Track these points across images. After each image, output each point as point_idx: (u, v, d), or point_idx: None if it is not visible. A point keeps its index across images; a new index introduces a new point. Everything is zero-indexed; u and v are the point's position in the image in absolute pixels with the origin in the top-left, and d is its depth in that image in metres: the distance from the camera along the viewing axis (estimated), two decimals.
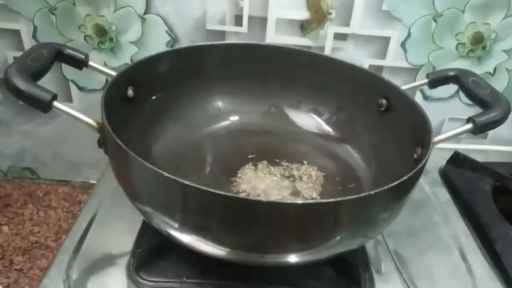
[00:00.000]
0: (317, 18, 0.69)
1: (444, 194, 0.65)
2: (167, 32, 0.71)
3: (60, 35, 0.71)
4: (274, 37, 0.71)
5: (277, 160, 0.59)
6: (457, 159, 0.68)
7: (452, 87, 0.59)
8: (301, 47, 0.66)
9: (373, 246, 0.54)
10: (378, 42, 0.71)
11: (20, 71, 0.43)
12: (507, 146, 0.79)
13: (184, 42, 0.72)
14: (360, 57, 0.73)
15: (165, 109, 0.59)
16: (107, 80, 0.73)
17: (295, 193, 0.55)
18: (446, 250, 0.56)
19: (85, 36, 0.71)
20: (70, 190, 0.83)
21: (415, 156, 0.49)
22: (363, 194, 0.37)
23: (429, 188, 0.65)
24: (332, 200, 0.37)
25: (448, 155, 0.69)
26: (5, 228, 0.74)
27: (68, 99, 0.77)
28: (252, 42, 0.64)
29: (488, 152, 0.77)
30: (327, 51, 0.72)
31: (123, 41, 0.72)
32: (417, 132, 0.49)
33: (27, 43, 0.72)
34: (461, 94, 0.57)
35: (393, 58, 0.73)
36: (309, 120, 0.65)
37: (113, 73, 0.52)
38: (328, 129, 0.65)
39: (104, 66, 0.54)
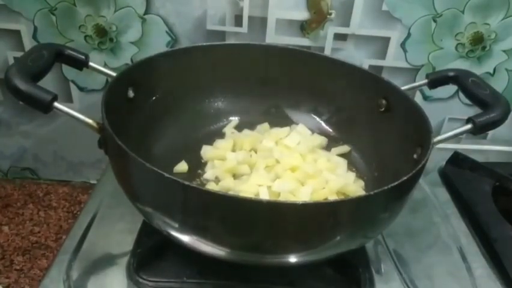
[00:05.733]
0: (317, 18, 0.69)
1: (444, 194, 0.65)
2: (167, 32, 0.71)
3: (60, 36, 0.71)
4: (274, 37, 0.71)
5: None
6: (457, 159, 0.68)
7: (451, 88, 0.59)
8: (301, 47, 0.66)
9: (373, 246, 0.55)
10: (378, 42, 0.71)
11: (21, 71, 0.43)
12: (507, 146, 0.79)
13: (184, 43, 0.72)
14: (360, 58, 0.73)
15: (165, 109, 0.60)
16: (107, 80, 0.73)
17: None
18: (446, 250, 0.56)
19: (85, 37, 0.71)
20: (70, 190, 0.83)
21: (415, 156, 0.49)
22: (363, 194, 0.38)
23: (429, 188, 0.65)
24: (332, 200, 0.37)
25: (448, 155, 0.69)
26: (5, 228, 0.74)
27: (69, 99, 0.77)
28: (252, 42, 0.65)
29: (488, 152, 0.77)
30: (327, 52, 0.72)
31: (123, 42, 0.72)
32: (417, 133, 0.49)
33: (28, 43, 0.72)
34: (461, 94, 0.57)
35: (393, 58, 0.73)
36: (309, 120, 0.65)
37: (114, 73, 0.52)
38: (328, 129, 0.65)
39: (104, 67, 0.54)
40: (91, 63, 0.53)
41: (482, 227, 0.58)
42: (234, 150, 0.60)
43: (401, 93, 0.55)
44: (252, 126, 0.64)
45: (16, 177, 0.87)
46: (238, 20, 0.70)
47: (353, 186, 0.55)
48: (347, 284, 0.49)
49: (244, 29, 0.70)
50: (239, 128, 0.64)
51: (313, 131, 0.64)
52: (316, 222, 0.39)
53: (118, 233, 0.53)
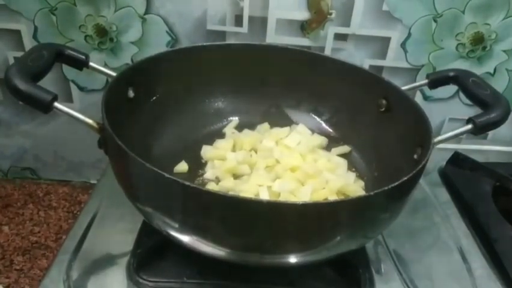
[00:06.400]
0: (317, 18, 0.69)
1: (444, 194, 0.65)
2: (167, 32, 0.71)
3: (60, 35, 0.71)
4: (274, 37, 0.71)
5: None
6: (457, 160, 0.68)
7: (452, 88, 0.59)
8: (301, 47, 0.66)
9: (373, 247, 0.55)
10: (378, 42, 0.71)
11: (21, 71, 0.43)
12: (507, 146, 0.79)
13: (185, 43, 0.72)
14: (361, 58, 0.73)
15: (165, 109, 0.59)
16: (107, 80, 0.73)
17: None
18: (446, 250, 0.56)
19: (86, 37, 0.71)
20: (70, 190, 0.83)
21: (415, 156, 0.49)
22: (363, 194, 0.38)
23: (429, 188, 0.65)
24: (332, 200, 0.37)
25: (448, 155, 0.69)
26: (5, 228, 0.74)
27: (69, 99, 0.77)
28: (252, 42, 0.65)
29: (488, 152, 0.77)
30: (327, 52, 0.72)
31: (123, 41, 0.72)
32: (417, 133, 0.49)
33: (28, 43, 0.72)
34: (461, 94, 0.58)
35: (394, 58, 0.73)
36: (309, 120, 0.65)
37: (114, 73, 0.52)
38: (328, 129, 0.65)
39: (104, 67, 0.54)
40: (91, 63, 0.53)
41: (482, 227, 0.58)
42: (234, 150, 0.60)
43: (401, 93, 0.55)
44: (252, 126, 0.64)
45: (16, 177, 0.87)
46: (238, 20, 0.70)
47: (353, 186, 0.55)
48: (347, 284, 0.49)
49: (244, 29, 0.70)
50: (239, 128, 0.64)
51: (313, 131, 0.64)
52: (316, 222, 0.39)
53: (118, 233, 0.53)
